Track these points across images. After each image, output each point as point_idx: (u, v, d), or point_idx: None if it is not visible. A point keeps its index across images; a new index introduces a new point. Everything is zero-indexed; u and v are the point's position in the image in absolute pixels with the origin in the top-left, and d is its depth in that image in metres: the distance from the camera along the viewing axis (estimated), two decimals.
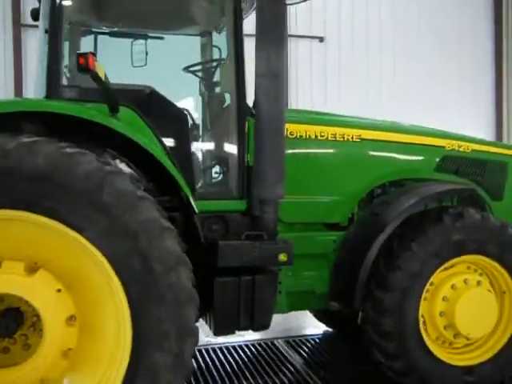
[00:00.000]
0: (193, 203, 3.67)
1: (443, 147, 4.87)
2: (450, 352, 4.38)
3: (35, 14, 4.40)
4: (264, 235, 3.82)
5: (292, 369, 4.93)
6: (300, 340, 5.74)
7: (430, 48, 13.30)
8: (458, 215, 4.22)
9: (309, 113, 4.88)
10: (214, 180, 4.38)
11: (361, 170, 4.69)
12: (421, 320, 4.20)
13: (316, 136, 4.55)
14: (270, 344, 5.62)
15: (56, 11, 3.80)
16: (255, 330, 3.92)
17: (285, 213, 4.45)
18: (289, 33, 12.09)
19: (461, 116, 13.38)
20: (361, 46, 12.88)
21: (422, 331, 4.19)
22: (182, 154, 3.91)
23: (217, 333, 3.83)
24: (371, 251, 4.11)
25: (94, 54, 3.09)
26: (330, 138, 4.58)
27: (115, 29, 4.93)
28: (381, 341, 4.13)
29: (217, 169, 4.39)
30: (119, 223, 2.87)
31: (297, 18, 12.29)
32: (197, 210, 3.71)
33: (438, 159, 4.84)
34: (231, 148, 4.09)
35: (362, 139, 4.66)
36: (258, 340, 5.70)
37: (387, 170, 4.75)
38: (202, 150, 4.32)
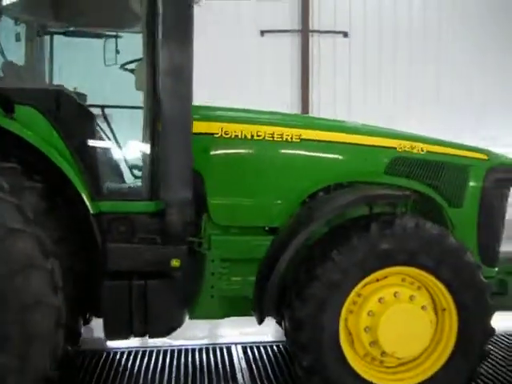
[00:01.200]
0: (88, 203, 3.61)
1: (394, 148, 4.50)
2: (381, 371, 4.04)
3: None
4: (157, 239, 3.70)
5: (229, 376, 4.75)
6: (258, 347, 5.52)
7: (464, 48, 12.43)
8: (387, 222, 3.89)
9: (244, 111, 4.67)
10: (123, 180, 4.29)
11: (301, 171, 4.45)
12: (344, 334, 3.92)
13: (252, 136, 4.36)
14: (224, 349, 5.45)
15: None
16: (151, 336, 3.80)
17: (219, 215, 4.33)
18: (310, 28, 11.81)
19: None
20: (389, 42, 12.28)
21: (345, 347, 3.89)
22: (88, 153, 3.86)
23: (108, 337, 3.74)
24: (284, 257, 3.87)
25: None
26: (267, 138, 4.38)
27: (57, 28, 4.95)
28: (298, 353, 3.88)
29: (126, 169, 4.30)
30: None
31: (320, 13, 11.94)
32: (92, 211, 3.66)
33: (387, 161, 4.48)
34: (142, 148, 3.98)
35: (302, 139, 4.41)
36: (213, 344, 5.55)
37: (330, 172, 4.47)
38: (112, 150, 4.23)
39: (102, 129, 4.07)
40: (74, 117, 3.85)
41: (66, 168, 3.60)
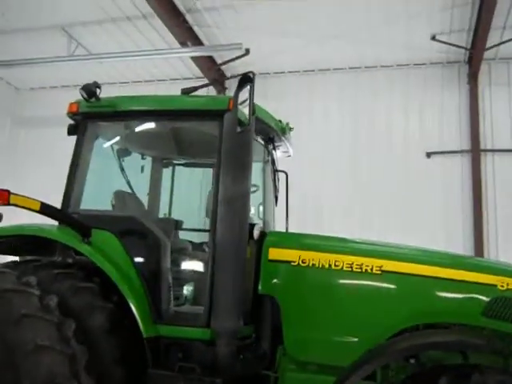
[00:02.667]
0: (141, 326, 3.73)
1: (494, 286, 3.80)
2: None
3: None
4: (197, 369, 3.58)
5: None
6: None
7: None
8: (460, 377, 3.23)
9: (324, 239, 4.45)
10: (183, 306, 4.29)
11: (383, 307, 4.01)
12: None
13: (330, 265, 4.13)
14: None
15: (76, 149, 4.51)
16: None
17: (296, 350, 4.14)
18: (482, 147, 11.00)
19: None
20: None
21: None
22: (155, 277, 4.04)
23: None
24: None
25: (8, 191, 3.62)
26: (345, 268, 4.10)
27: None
28: None
29: (188, 295, 4.32)
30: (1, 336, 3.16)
31: (492, 130, 11.05)
32: (145, 334, 3.75)
33: (486, 301, 3.78)
34: (204, 274, 4.03)
35: (384, 271, 4.01)
36: None
37: (416, 311, 3.93)
38: (179, 275, 4.33)
39: (170, 255, 4.25)
40: (144, 242, 4.12)
41: (126, 292, 3.80)
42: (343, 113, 11.92)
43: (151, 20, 10.34)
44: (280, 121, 4.84)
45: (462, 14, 9.86)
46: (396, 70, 11.78)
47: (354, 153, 11.58)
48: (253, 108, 3.69)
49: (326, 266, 4.12)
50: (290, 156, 5.45)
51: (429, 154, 11.22)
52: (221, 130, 4.09)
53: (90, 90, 4.38)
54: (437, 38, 10.49)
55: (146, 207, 5.50)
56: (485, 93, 11.23)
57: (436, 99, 11.44)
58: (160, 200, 5.72)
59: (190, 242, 5.31)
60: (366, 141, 11.60)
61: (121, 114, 4.42)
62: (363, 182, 11.30)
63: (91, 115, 4.52)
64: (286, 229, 5.44)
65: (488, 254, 10.66)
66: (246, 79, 3.75)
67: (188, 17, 10.19)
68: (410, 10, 9.79)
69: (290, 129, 4.95)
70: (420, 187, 11.05)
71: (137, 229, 4.16)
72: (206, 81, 11.71)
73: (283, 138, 4.95)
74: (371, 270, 4.04)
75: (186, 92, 4.38)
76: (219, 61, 11.64)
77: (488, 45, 10.23)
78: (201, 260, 4.49)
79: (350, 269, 4.08)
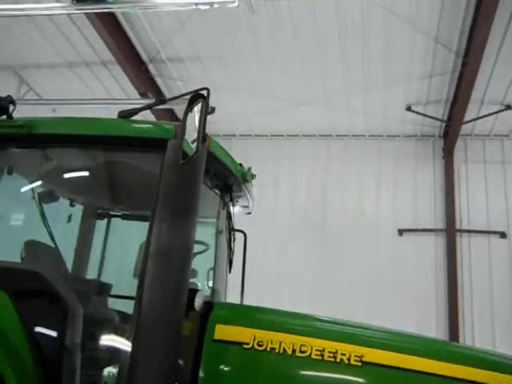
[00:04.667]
0: None
1: None
2: None
3: None
4: None
5: None
6: None
7: None
8: None
9: (287, 315, 3.49)
10: None
11: None
12: None
13: (294, 350, 3.14)
14: None
15: None
16: None
17: None
18: (457, 227, 10.34)
19: None
20: None
21: None
22: (53, 356, 2.95)
23: None
24: None
25: None
26: (314, 356, 3.11)
27: None
28: None
29: (108, 380, 3.22)
30: None
31: (469, 210, 10.52)
32: None
33: None
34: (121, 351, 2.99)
35: (365, 362, 3.02)
36: None
37: None
38: (93, 354, 3.23)
39: (87, 327, 3.17)
40: (46, 308, 3.08)
41: (9, 377, 2.73)
42: (312, 182, 11.22)
43: (111, 67, 9.59)
44: (241, 164, 3.96)
45: (440, 84, 9.48)
46: (368, 140, 11.28)
47: (322, 226, 10.82)
48: (203, 134, 2.82)
49: (289, 351, 3.13)
50: (250, 213, 4.54)
51: (401, 232, 10.51)
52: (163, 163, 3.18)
53: (1, 106, 3.43)
54: (412, 108, 10.05)
55: (71, 265, 4.45)
56: (460, 170, 10.79)
57: (409, 173, 10.95)
58: (89, 258, 4.68)
59: (122, 312, 4.24)
60: (335, 213, 10.90)
61: (39, 138, 3.44)
62: (330, 257, 10.45)
63: (0, 137, 3.54)
64: (241, 301, 4.43)
65: (464, 339, 9.79)
66: (199, 96, 2.89)
67: (150, 67, 9.53)
68: (388, 77, 9.34)
69: (253, 176, 4.06)
70: (390, 266, 10.28)
71: (39, 288, 3.09)
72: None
73: (244, 188, 4.04)
74: (348, 360, 3.04)
75: (124, 116, 3.46)
76: (181, 116, 10.86)
77: (465, 119, 9.81)
78: (126, 336, 3.43)
79: (320, 357, 3.08)
